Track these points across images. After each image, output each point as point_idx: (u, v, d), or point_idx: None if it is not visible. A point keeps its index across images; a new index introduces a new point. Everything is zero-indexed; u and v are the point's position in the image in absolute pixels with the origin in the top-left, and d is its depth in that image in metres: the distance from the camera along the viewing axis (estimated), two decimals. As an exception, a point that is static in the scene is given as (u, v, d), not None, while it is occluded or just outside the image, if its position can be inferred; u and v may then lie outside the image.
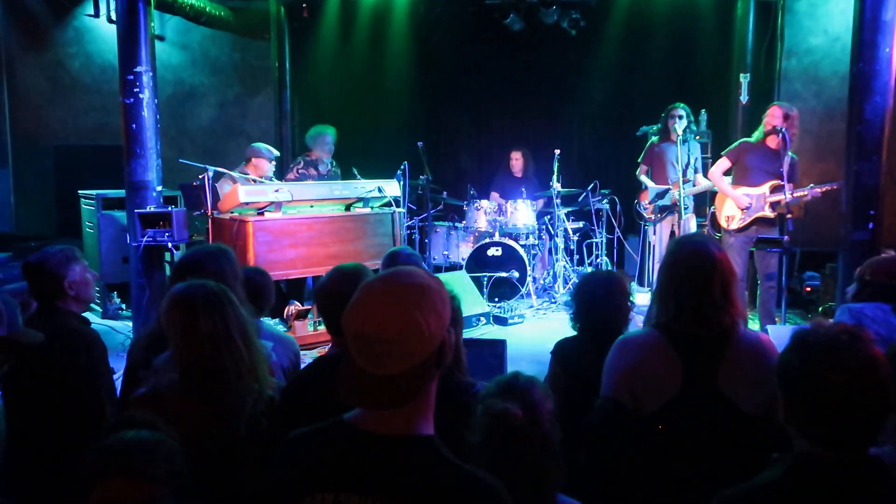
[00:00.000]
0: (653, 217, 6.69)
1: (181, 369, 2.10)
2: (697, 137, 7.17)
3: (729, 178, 5.83)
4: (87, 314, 3.13)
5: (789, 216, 5.19)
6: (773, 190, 5.45)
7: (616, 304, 2.77)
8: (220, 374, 2.07)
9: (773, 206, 5.46)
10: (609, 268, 7.67)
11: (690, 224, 6.60)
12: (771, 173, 5.47)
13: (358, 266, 2.45)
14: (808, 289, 6.81)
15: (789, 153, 5.39)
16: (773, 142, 5.49)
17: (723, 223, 5.69)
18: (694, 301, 2.13)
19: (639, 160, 6.88)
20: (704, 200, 7.45)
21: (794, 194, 5.34)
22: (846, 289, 3.27)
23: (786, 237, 5.15)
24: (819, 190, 5.39)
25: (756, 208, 5.52)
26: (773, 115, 5.47)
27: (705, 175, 6.86)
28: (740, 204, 5.55)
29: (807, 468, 1.48)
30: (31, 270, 2.90)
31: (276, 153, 6.37)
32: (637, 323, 3.38)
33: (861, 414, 1.43)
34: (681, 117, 6.41)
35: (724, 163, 5.78)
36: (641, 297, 7.33)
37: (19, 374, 2.57)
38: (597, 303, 2.75)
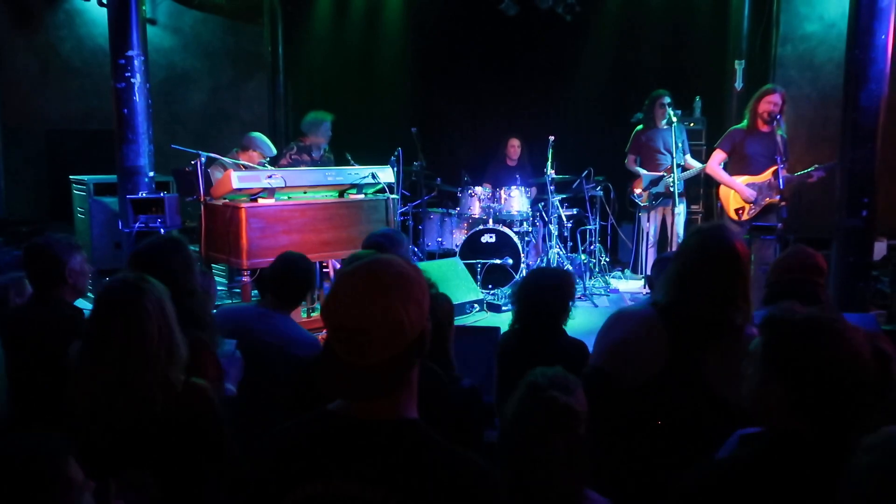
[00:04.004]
0: (647, 204, 6.68)
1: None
2: (691, 125, 7.16)
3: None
4: (79, 302, 3.12)
5: (783, 204, 5.18)
6: (776, 175, 5.34)
7: (554, 301, 2.94)
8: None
9: (780, 191, 5.32)
10: (602, 255, 7.67)
11: (681, 209, 6.62)
12: (771, 158, 5.38)
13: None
14: (801, 276, 6.81)
15: (780, 132, 5.35)
16: (765, 126, 5.43)
17: (733, 216, 5.56)
18: (705, 287, 2.09)
19: (626, 150, 6.87)
20: (698, 183, 7.45)
21: (797, 174, 5.31)
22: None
23: (780, 224, 5.15)
24: (823, 172, 5.26)
25: (764, 196, 5.43)
26: (772, 102, 5.38)
27: (693, 157, 6.85)
28: (746, 197, 5.45)
29: (787, 446, 1.50)
30: (34, 254, 2.89)
31: (272, 153, 6.30)
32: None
33: (853, 397, 1.47)
34: (669, 104, 6.41)
35: (719, 155, 5.69)
36: (634, 284, 7.37)
37: (14, 357, 2.56)
38: (537, 300, 2.93)
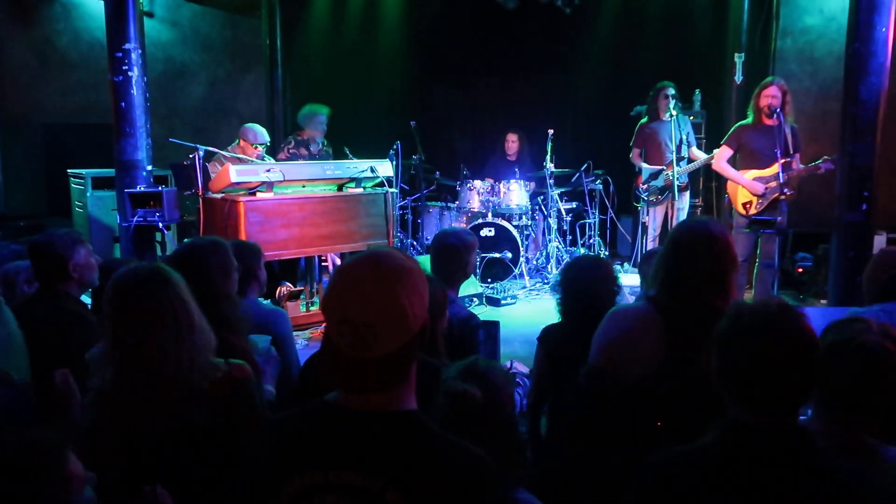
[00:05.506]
0: (654, 199, 6.64)
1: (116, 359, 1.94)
2: (691, 118, 7.14)
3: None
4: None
5: (783, 198, 5.17)
6: (785, 168, 5.22)
7: (602, 290, 2.75)
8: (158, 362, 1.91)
9: (788, 184, 5.22)
10: (602, 248, 7.66)
11: (684, 202, 6.59)
12: (778, 152, 5.32)
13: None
14: (800, 270, 6.82)
15: (788, 123, 5.32)
16: (769, 120, 5.40)
17: (741, 210, 5.50)
18: (686, 278, 2.16)
19: (630, 143, 6.85)
20: (699, 175, 7.43)
21: (805, 166, 5.28)
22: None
23: (779, 218, 5.13)
24: (832, 164, 5.13)
25: (772, 190, 5.40)
26: (770, 95, 5.35)
27: (699, 148, 6.83)
28: (755, 191, 5.38)
29: (737, 434, 1.51)
30: (37, 251, 2.88)
31: (263, 140, 6.22)
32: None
33: (789, 382, 1.48)
34: (673, 96, 6.38)
35: (725, 151, 5.63)
36: (634, 278, 7.35)
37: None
38: (582, 288, 2.75)
